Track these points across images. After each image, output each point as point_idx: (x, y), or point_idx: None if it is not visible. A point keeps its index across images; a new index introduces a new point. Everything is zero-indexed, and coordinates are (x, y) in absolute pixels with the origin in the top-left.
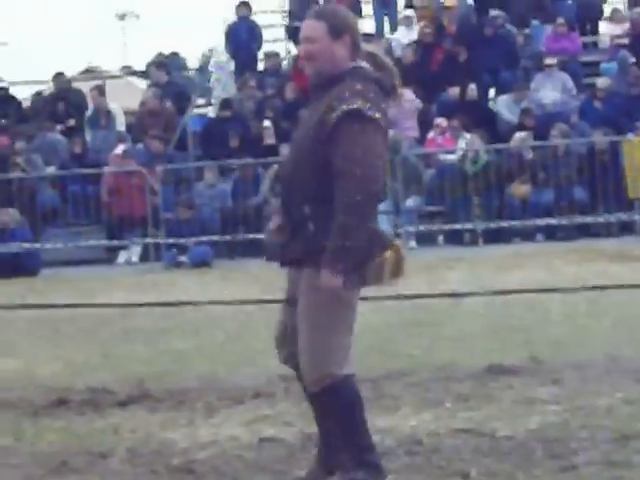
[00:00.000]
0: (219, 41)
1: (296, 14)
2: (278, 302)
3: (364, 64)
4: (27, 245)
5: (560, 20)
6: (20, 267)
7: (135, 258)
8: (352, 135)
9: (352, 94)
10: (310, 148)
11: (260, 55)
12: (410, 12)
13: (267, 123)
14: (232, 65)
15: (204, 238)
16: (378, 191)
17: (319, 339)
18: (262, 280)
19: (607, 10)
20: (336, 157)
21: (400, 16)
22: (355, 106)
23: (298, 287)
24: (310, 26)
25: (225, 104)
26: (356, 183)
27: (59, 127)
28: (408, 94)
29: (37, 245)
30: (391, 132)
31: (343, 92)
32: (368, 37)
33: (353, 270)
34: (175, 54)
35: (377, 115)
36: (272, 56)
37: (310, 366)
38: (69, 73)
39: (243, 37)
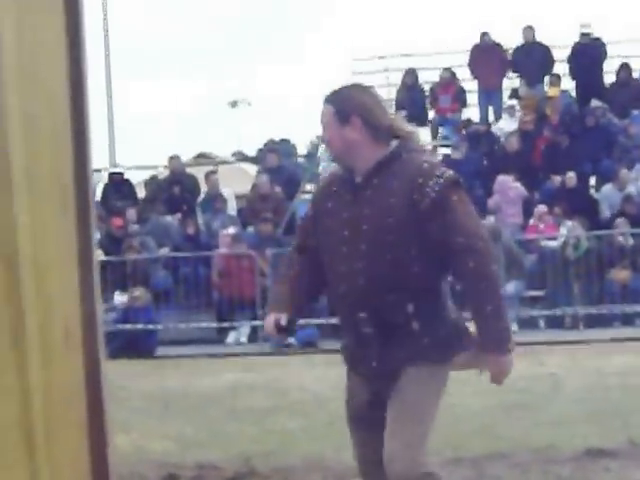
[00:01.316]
0: None
1: (402, 103)
2: None
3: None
4: (150, 325)
5: None
6: (140, 345)
7: (244, 339)
8: (462, 205)
9: (432, 165)
10: (402, 236)
11: None
12: (514, 102)
13: None
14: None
15: (312, 321)
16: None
17: (419, 434)
18: None
19: None
20: (449, 235)
21: (505, 105)
22: (450, 171)
23: (385, 389)
24: (322, 112)
25: None
26: (488, 257)
27: (177, 214)
28: (512, 182)
29: (158, 325)
30: (490, 219)
31: (419, 166)
32: (471, 124)
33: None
34: (285, 140)
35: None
36: None
37: (408, 463)
38: (183, 158)
39: None
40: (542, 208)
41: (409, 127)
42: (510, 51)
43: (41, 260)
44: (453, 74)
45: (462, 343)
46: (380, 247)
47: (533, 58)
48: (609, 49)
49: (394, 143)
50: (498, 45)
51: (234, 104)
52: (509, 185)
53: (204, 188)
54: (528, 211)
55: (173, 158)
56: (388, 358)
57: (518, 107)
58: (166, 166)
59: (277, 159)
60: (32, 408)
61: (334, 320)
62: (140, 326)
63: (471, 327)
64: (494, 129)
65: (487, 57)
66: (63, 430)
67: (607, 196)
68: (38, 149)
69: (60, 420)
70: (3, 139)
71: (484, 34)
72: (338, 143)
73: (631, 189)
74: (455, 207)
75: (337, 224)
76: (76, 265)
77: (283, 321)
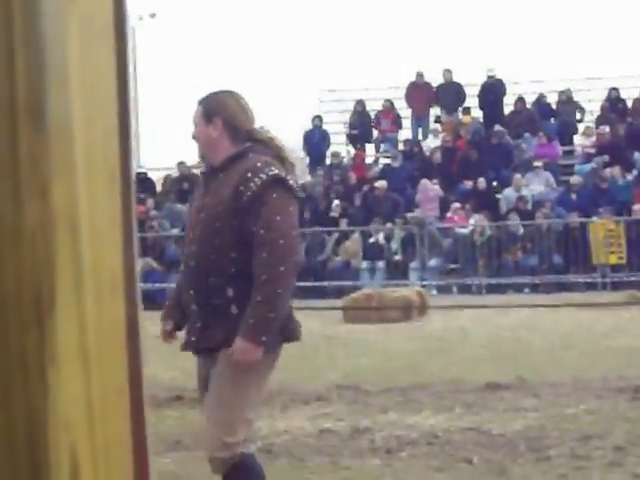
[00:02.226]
0: (298, 143)
1: (354, 125)
2: None
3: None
4: (159, 285)
5: (541, 134)
6: (154, 300)
7: None
8: (276, 202)
9: (265, 164)
10: (226, 223)
11: (327, 153)
12: (437, 125)
13: (336, 202)
14: (307, 160)
15: None
16: (297, 262)
17: (225, 414)
18: (325, 315)
19: (581, 127)
20: (258, 226)
21: (430, 128)
22: (277, 171)
23: (211, 369)
24: (194, 112)
25: (301, 188)
26: (281, 253)
27: (185, 203)
28: (431, 184)
29: (169, 285)
30: (417, 212)
31: (254, 163)
32: (407, 142)
33: (272, 341)
34: None
35: (294, 184)
36: (336, 155)
37: (213, 442)
38: (190, 162)
39: (316, 140)
40: (457, 205)
41: (271, 135)
42: (434, 87)
43: (95, 225)
44: (392, 103)
45: (285, 330)
46: (209, 233)
47: (450, 93)
48: (508, 87)
49: (247, 144)
50: (427, 83)
51: None
52: (429, 187)
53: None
54: (446, 206)
55: (180, 163)
56: (206, 336)
57: (440, 129)
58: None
59: None
60: (87, 339)
61: (301, 283)
62: (155, 285)
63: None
64: (423, 145)
65: (419, 92)
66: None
67: (506, 196)
68: (94, 141)
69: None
70: (70, 134)
71: (419, 74)
72: (202, 140)
73: (524, 192)
74: (271, 203)
75: (192, 213)
76: (120, 230)
77: (168, 327)
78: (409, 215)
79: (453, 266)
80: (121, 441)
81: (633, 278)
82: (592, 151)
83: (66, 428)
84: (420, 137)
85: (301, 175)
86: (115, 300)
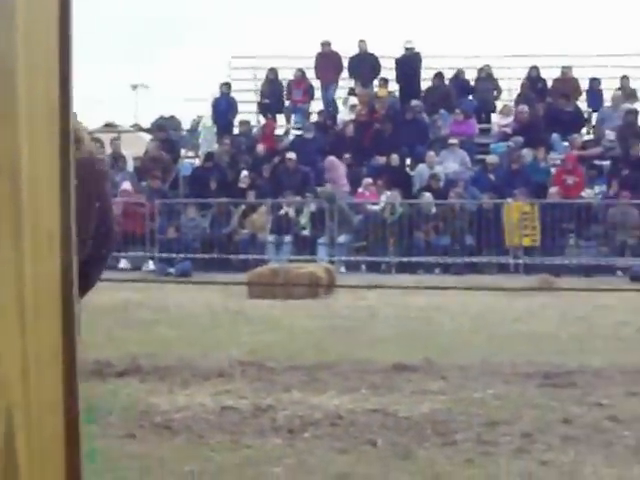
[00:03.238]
0: (207, 110)
1: (265, 94)
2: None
3: None
4: None
5: (458, 111)
6: None
7: (129, 266)
8: None
9: None
10: None
11: (235, 122)
12: (352, 98)
13: (245, 173)
14: (215, 128)
15: (187, 255)
16: None
17: None
18: (228, 289)
19: (499, 105)
20: None
21: (344, 101)
22: None
23: None
24: None
25: (208, 157)
26: None
27: None
28: (337, 161)
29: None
30: (327, 186)
31: None
32: (321, 113)
33: None
34: (173, 117)
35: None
36: (244, 124)
37: None
38: (93, 127)
39: (224, 108)
40: (368, 180)
41: (84, 135)
42: (345, 57)
43: (35, 176)
44: (304, 73)
45: None
46: None
47: (365, 65)
48: (427, 61)
49: None
50: (335, 53)
51: (135, 87)
52: (335, 164)
53: (109, 150)
54: (357, 182)
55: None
56: None
57: (354, 102)
58: None
59: (165, 131)
60: (24, 292)
61: (205, 256)
62: None
63: None
64: (337, 118)
65: (327, 61)
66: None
67: (419, 174)
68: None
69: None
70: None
71: (326, 44)
72: None
73: (437, 170)
74: None
75: None
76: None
77: None
78: (319, 189)
79: (363, 243)
80: (54, 405)
81: (547, 262)
82: (509, 131)
83: (3, 389)
84: (330, 109)
85: (209, 144)
86: (52, 254)
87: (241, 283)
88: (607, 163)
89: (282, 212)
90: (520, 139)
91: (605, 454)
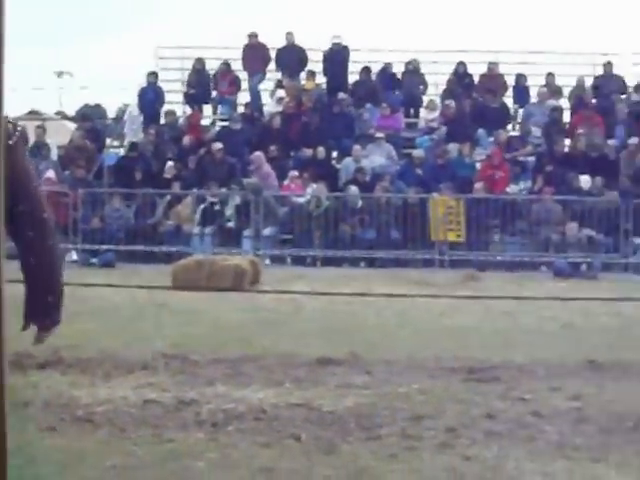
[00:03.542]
0: (133, 99)
1: (192, 84)
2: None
3: None
4: None
5: (384, 105)
6: None
7: None
8: None
9: None
10: None
11: (162, 112)
12: (279, 90)
13: (171, 163)
14: (141, 118)
15: (111, 246)
16: None
17: None
18: (153, 281)
19: (426, 100)
20: None
21: (271, 93)
22: None
23: None
24: None
25: (132, 147)
26: None
27: None
28: (263, 157)
29: None
30: (254, 178)
31: None
32: (249, 105)
33: None
34: (98, 105)
35: None
36: (170, 114)
37: None
38: (16, 114)
39: (150, 98)
40: (294, 173)
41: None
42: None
43: None
44: (229, 65)
45: None
46: None
47: (293, 57)
48: (354, 55)
49: None
50: (262, 44)
51: (60, 74)
52: (262, 159)
53: (33, 138)
54: (284, 174)
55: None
56: None
57: (281, 95)
58: None
59: (90, 120)
60: None
61: (129, 247)
62: None
63: None
64: (265, 109)
65: (254, 53)
66: None
67: (345, 167)
68: None
69: None
70: None
71: (253, 35)
72: None
73: (364, 163)
74: None
75: None
76: None
77: None
78: (245, 181)
79: (288, 236)
80: None
81: (471, 257)
82: (435, 125)
83: None
84: (257, 100)
85: (135, 133)
86: None
87: (165, 274)
88: (532, 159)
89: (207, 204)
90: (445, 133)
91: (528, 449)
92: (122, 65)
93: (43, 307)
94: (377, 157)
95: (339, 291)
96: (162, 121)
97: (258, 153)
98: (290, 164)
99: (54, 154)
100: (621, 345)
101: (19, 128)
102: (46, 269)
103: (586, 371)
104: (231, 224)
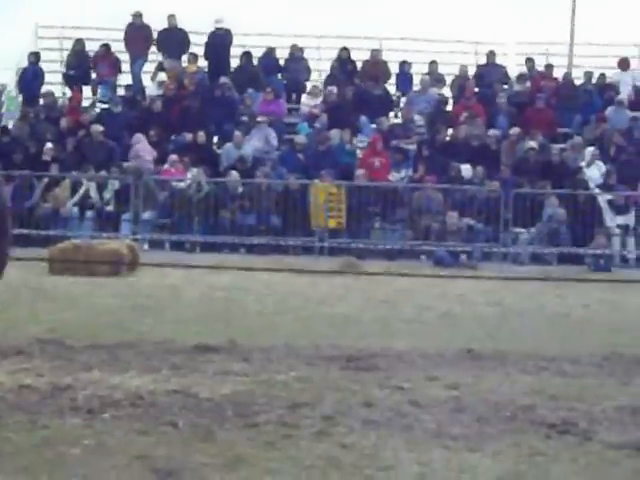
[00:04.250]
0: (11, 79)
1: (71, 65)
2: None
3: None
4: None
5: (268, 89)
6: None
7: None
8: None
9: None
10: None
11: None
12: (161, 74)
13: (49, 145)
14: (20, 98)
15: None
16: None
17: None
18: (29, 265)
19: (308, 85)
20: None
21: (153, 75)
22: None
23: None
24: None
25: (4, 131)
26: None
27: None
28: (143, 139)
29: None
30: (133, 161)
31: None
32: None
33: None
34: None
35: None
36: (48, 95)
37: None
38: None
39: (30, 79)
40: (174, 157)
41: None
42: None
43: None
44: (109, 48)
45: None
46: None
47: (175, 40)
48: (237, 38)
49: None
50: (146, 25)
51: None
52: (142, 140)
53: None
54: (163, 158)
55: None
56: None
57: (163, 78)
58: None
59: None
60: None
61: None
62: None
63: None
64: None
65: (137, 34)
66: None
67: (226, 152)
68: None
69: None
70: None
71: (137, 15)
72: None
73: (245, 149)
74: None
75: None
76: None
77: None
78: (125, 164)
79: (167, 221)
80: None
81: (352, 245)
82: (318, 111)
83: None
84: (138, 83)
85: (13, 114)
86: None
87: (42, 259)
88: (413, 147)
89: (85, 187)
90: (326, 120)
91: (405, 438)
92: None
93: None
94: (258, 142)
95: (217, 278)
96: (41, 102)
97: (138, 135)
98: (170, 148)
99: None
100: (499, 335)
101: None
102: None
103: (464, 360)
104: (109, 208)
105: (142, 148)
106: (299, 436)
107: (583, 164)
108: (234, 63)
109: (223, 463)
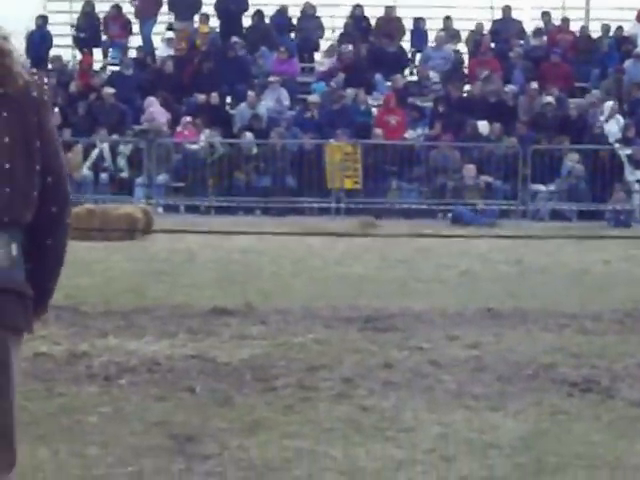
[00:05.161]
0: (19, 44)
1: (81, 27)
2: None
3: None
4: None
5: (282, 49)
6: None
7: None
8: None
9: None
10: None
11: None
12: (171, 33)
13: (56, 109)
14: (28, 62)
15: None
16: None
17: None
18: None
19: (322, 44)
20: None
21: (163, 36)
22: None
23: None
24: None
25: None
26: None
27: None
28: (156, 101)
29: None
30: (146, 124)
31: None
32: (141, 49)
33: None
34: None
35: None
36: (56, 59)
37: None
38: None
39: (37, 42)
40: (187, 119)
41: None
42: None
43: None
44: (120, 9)
45: None
46: None
47: (185, 0)
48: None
49: None
50: None
51: None
52: (154, 102)
53: None
54: (176, 120)
55: None
56: None
57: (174, 38)
58: None
59: None
60: None
61: None
62: None
63: None
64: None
65: None
66: None
67: (239, 113)
68: None
69: None
70: None
71: None
72: None
73: (258, 109)
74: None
75: None
76: None
77: None
78: (137, 127)
79: (181, 184)
80: None
81: (369, 205)
82: (333, 70)
83: None
84: (149, 44)
85: None
86: None
87: None
88: (429, 104)
89: (97, 151)
90: (342, 79)
91: (426, 399)
92: (6, 8)
93: (42, 293)
94: (272, 103)
95: (233, 240)
96: (50, 66)
97: (150, 98)
98: (183, 110)
99: None
100: (520, 293)
101: (46, 82)
102: (60, 252)
103: (484, 319)
104: (123, 172)
105: (156, 111)
106: (318, 399)
107: (602, 118)
108: (246, 23)
109: (242, 428)
